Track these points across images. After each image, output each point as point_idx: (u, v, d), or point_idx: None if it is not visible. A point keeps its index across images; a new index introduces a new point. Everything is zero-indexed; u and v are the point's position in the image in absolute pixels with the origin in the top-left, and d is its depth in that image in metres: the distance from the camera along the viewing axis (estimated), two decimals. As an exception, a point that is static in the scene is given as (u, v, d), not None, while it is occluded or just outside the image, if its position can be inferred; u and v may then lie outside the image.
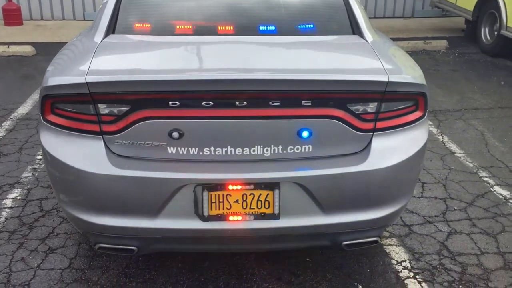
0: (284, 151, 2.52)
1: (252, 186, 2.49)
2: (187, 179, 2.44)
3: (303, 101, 2.45)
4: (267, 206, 2.52)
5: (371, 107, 2.53)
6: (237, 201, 2.51)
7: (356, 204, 2.59)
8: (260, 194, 2.51)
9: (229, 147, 2.49)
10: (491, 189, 4.16)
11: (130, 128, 2.46)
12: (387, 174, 2.57)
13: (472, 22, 8.58)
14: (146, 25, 3.08)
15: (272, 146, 2.51)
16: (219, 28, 3.04)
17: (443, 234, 3.55)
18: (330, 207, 2.55)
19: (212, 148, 2.50)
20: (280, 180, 2.47)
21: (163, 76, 2.41)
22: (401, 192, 2.71)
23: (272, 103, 2.44)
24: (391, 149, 2.59)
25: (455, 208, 3.87)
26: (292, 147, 2.52)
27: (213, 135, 2.48)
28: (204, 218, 2.50)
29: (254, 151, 2.51)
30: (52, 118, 2.56)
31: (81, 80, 2.41)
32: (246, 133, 2.48)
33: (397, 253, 3.32)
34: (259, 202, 2.52)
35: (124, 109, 2.45)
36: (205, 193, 2.47)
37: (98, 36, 2.94)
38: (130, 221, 2.52)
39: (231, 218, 2.51)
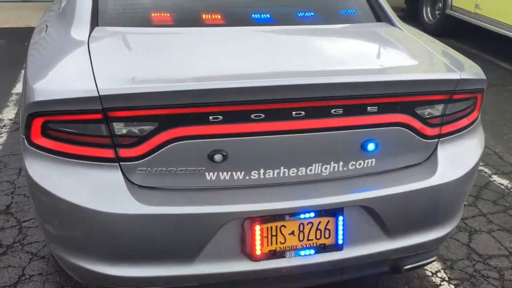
0: (345, 168, 2.08)
1: (312, 214, 2.03)
2: (233, 213, 1.94)
3: (368, 108, 2.01)
4: (327, 236, 2.08)
5: (438, 109, 2.16)
6: (292, 232, 2.04)
7: (422, 224, 2.22)
8: (320, 222, 2.06)
9: (282, 167, 2.01)
10: (490, 179, 3.98)
11: (158, 152, 1.90)
12: (458, 185, 2.22)
13: (412, 2, 8.51)
14: (143, 13, 2.47)
15: (332, 163, 2.06)
16: (252, 17, 2.50)
17: (464, 235, 3.30)
18: (396, 229, 2.16)
19: (262, 171, 2.00)
20: (344, 204, 2.03)
21: (204, 85, 1.87)
22: (462, 204, 2.38)
23: (335, 111, 1.98)
24: (458, 157, 2.24)
25: (465, 203, 3.63)
26: (354, 163, 2.09)
27: (263, 154, 1.98)
28: (253, 257, 2.01)
29: (311, 170, 2.04)
30: (43, 142, 1.94)
31: (91, 93, 1.81)
32: (303, 149, 2.01)
33: (429, 263, 3.01)
34: (319, 232, 2.07)
35: (149, 127, 1.88)
36: (255, 227, 1.97)
37: (82, 29, 2.29)
38: (160, 269, 1.98)
39: (286, 254, 2.04)
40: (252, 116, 1.90)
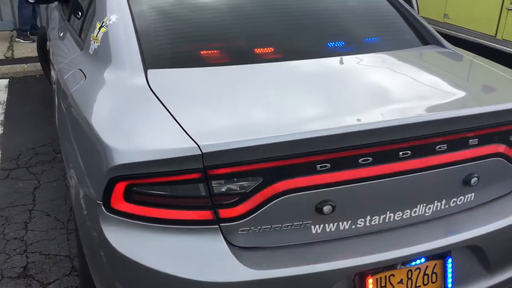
0: (447, 206, 1.96)
1: (422, 260, 1.89)
2: (346, 269, 1.77)
3: (470, 140, 1.91)
4: (434, 280, 1.95)
5: None
6: (401, 281, 1.89)
7: None
8: (427, 267, 1.92)
9: (388, 212, 1.86)
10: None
11: (262, 209, 1.71)
12: None
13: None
14: (192, 52, 2.26)
15: (435, 202, 1.93)
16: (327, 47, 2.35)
17: None
18: (497, 265, 2.06)
19: (368, 218, 1.84)
20: (454, 246, 1.90)
21: (315, 133, 1.69)
22: None
23: (439, 147, 1.86)
24: None
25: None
26: (455, 199, 1.97)
27: (371, 200, 1.82)
28: (365, 312, 1.84)
29: (415, 212, 1.91)
30: (127, 207, 1.70)
31: (192, 151, 1.60)
32: (410, 190, 1.87)
33: None
34: (426, 277, 1.93)
35: (253, 183, 1.69)
36: (368, 281, 1.81)
37: (137, 75, 2.07)
38: None
39: (402, 305, 1.89)
40: (360, 160, 1.75)
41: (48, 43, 3.82)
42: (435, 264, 1.93)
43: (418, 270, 1.91)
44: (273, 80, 2.10)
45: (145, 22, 2.32)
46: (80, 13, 3.11)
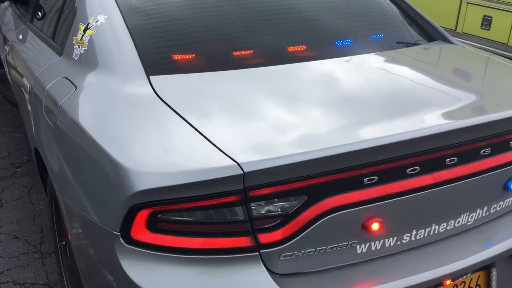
0: (488, 213, 1.84)
1: (469, 274, 1.75)
2: None
3: (510, 143, 1.79)
4: (477, 292, 1.82)
5: None
6: (447, 296, 1.76)
7: None
8: (471, 280, 1.79)
9: (433, 224, 1.71)
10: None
11: (307, 231, 1.51)
12: None
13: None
14: (196, 54, 2.03)
15: (478, 209, 1.80)
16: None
17: None
18: None
19: (414, 232, 1.69)
20: (498, 257, 1.78)
21: (363, 144, 1.50)
22: None
23: (483, 152, 1.72)
24: None
25: None
26: (495, 205, 1.85)
27: (417, 212, 1.67)
28: (412, 335, 1.69)
29: (459, 222, 1.77)
30: (150, 237, 1.47)
31: (232, 170, 1.38)
32: (455, 199, 1.73)
33: None
34: (470, 290, 1.80)
35: (296, 203, 1.49)
36: (417, 301, 1.66)
37: (140, 83, 1.82)
38: None
39: (446, 323, 1.75)
40: (408, 171, 1.59)
41: (6, 47, 3.45)
42: (479, 276, 1.80)
43: (463, 284, 1.77)
44: (298, 85, 1.90)
45: (138, 22, 2.07)
46: (48, 15, 2.80)
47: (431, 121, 1.65)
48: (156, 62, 1.94)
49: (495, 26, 5.44)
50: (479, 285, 1.81)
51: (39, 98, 2.21)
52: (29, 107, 2.44)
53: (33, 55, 2.61)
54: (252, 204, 1.46)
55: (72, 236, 1.83)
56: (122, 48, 1.96)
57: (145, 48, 1.96)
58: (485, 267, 1.80)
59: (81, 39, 2.12)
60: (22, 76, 2.65)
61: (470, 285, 1.79)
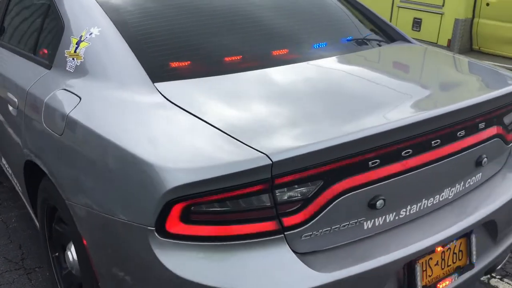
0: (464, 187, 2.11)
1: (454, 241, 2.01)
2: (402, 258, 1.81)
3: (479, 125, 2.07)
4: (460, 258, 2.08)
5: None
6: (437, 263, 2.00)
7: None
8: (455, 246, 2.05)
9: (423, 199, 1.95)
10: None
11: (324, 212, 1.70)
12: None
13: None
14: (194, 60, 2.17)
15: (456, 185, 2.06)
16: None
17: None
18: (503, 235, 2.25)
19: (408, 207, 1.92)
20: (476, 224, 2.05)
21: (372, 130, 1.71)
22: None
23: (459, 134, 1.99)
24: None
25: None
26: (469, 180, 2.12)
27: (410, 190, 1.90)
28: (414, 298, 1.92)
29: (443, 196, 2.02)
30: (184, 229, 1.60)
31: (261, 161, 1.55)
32: (439, 177, 1.98)
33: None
34: (454, 256, 2.05)
35: (314, 187, 1.67)
36: (416, 268, 1.89)
37: (144, 89, 1.95)
38: None
39: (440, 286, 1.99)
40: (403, 153, 1.82)
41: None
42: (461, 243, 2.06)
43: (449, 250, 2.02)
44: (299, 82, 2.09)
45: (132, 32, 2.18)
46: (21, 30, 2.83)
47: (417, 110, 1.90)
48: (158, 69, 2.06)
49: (424, 28, 5.90)
50: (461, 251, 2.07)
51: (35, 111, 2.26)
52: (18, 122, 2.46)
53: (14, 70, 2.63)
54: (277, 191, 1.62)
55: (90, 241, 1.91)
56: (123, 58, 2.06)
57: (145, 57, 2.08)
58: (466, 234, 2.05)
59: (75, 52, 2.20)
60: (5, 91, 2.66)
61: (455, 251, 2.04)
